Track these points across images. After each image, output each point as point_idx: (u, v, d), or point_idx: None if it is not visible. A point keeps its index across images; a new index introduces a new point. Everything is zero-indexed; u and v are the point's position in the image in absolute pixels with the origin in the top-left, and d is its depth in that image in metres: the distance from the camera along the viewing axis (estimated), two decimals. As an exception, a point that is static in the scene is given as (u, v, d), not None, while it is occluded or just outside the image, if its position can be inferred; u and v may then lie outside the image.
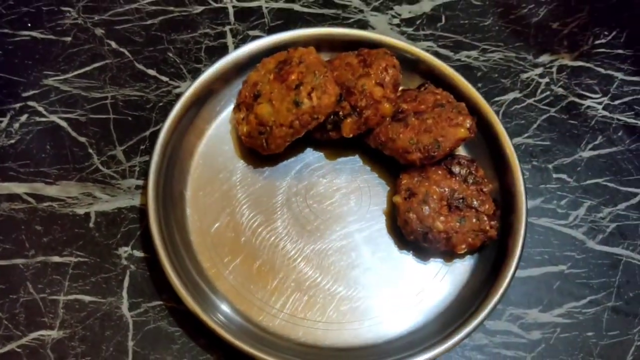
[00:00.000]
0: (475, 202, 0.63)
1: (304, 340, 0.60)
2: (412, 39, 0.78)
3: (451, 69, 0.70)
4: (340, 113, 0.64)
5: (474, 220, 0.62)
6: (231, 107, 0.69)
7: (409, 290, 0.63)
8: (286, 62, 0.65)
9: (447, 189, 0.63)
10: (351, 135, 0.65)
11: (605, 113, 0.74)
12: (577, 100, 0.75)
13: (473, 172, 0.64)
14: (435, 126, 0.63)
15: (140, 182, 0.67)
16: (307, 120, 0.62)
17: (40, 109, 0.70)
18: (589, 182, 0.70)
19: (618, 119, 0.74)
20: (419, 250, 0.64)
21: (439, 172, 0.64)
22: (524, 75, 0.76)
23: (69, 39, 0.75)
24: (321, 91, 0.62)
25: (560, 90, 0.76)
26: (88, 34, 0.75)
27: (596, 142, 0.73)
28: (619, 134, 0.73)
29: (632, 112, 0.75)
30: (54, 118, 0.70)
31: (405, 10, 0.80)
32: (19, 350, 0.58)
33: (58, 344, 0.59)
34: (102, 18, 0.76)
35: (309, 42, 0.68)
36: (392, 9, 0.80)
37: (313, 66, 0.63)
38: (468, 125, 0.63)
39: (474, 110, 0.67)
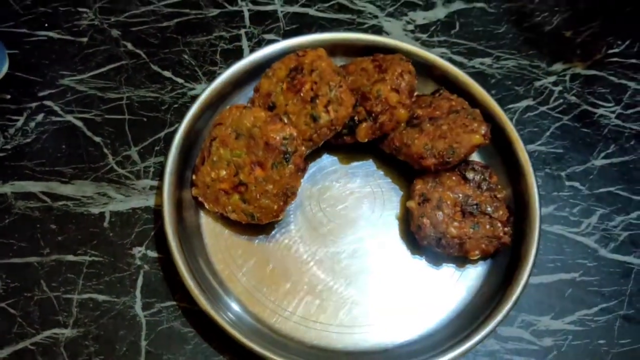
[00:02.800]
0: (489, 209, 0.63)
1: (316, 343, 0.60)
2: (426, 45, 0.78)
3: (466, 75, 0.70)
4: (356, 118, 0.65)
5: (488, 226, 0.62)
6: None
7: (421, 295, 0.63)
8: (297, 69, 0.65)
9: (461, 195, 0.63)
10: (366, 140, 0.65)
11: (618, 122, 0.75)
12: (590, 108, 0.75)
13: (487, 178, 0.64)
14: (450, 132, 0.63)
15: (154, 183, 0.67)
16: (326, 133, 0.63)
17: (57, 108, 0.71)
18: (601, 190, 0.70)
19: (631, 128, 0.74)
20: (432, 255, 0.64)
21: (453, 177, 0.64)
22: (538, 83, 0.77)
23: (85, 39, 0.75)
24: (337, 104, 0.62)
25: (574, 99, 0.76)
26: (104, 35, 0.76)
27: (609, 151, 0.73)
28: (632, 142, 0.73)
29: (645, 122, 0.75)
30: (69, 118, 0.70)
31: (420, 17, 0.81)
32: (32, 347, 0.58)
33: (72, 342, 0.59)
34: (119, 19, 0.77)
35: (324, 47, 0.68)
36: (406, 15, 0.81)
37: (326, 76, 0.63)
38: (483, 131, 0.63)
39: (489, 117, 0.67)
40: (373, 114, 0.64)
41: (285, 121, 0.63)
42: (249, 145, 0.62)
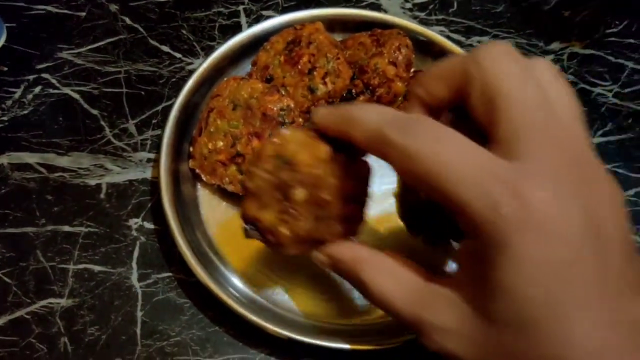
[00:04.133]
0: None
1: (316, 316, 0.60)
2: (424, 23, 0.78)
3: (464, 51, 0.70)
4: (353, 91, 0.65)
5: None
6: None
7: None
8: (295, 42, 0.65)
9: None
10: (364, 113, 0.65)
11: (616, 100, 0.75)
12: (587, 87, 0.75)
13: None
14: (447, 106, 0.63)
15: (151, 155, 0.67)
16: (323, 105, 0.63)
17: (54, 81, 0.70)
18: (598, 167, 0.70)
19: (628, 107, 0.74)
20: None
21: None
22: (536, 62, 0.76)
23: (83, 13, 0.75)
24: (335, 75, 0.62)
25: (571, 77, 0.76)
26: (102, 9, 0.76)
27: (606, 129, 0.73)
28: (629, 121, 0.73)
29: (643, 101, 0.75)
30: (67, 90, 0.70)
31: (418, -5, 0.81)
32: (27, 317, 0.58)
33: (67, 312, 0.59)
34: (117, -6, 0.77)
35: (323, 23, 0.68)
36: (405, -7, 0.81)
37: (324, 48, 0.63)
38: (480, 105, 0.63)
39: (486, 93, 0.67)
40: (370, 87, 0.64)
41: (283, 93, 0.63)
42: (246, 116, 0.61)
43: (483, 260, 0.36)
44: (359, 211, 0.52)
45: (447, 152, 0.36)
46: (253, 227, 0.51)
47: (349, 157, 0.49)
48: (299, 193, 0.49)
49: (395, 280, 0.43)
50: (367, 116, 0.42)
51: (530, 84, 0.38)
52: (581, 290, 0.34)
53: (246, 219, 0.51)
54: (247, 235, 0.52)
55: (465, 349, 0.37)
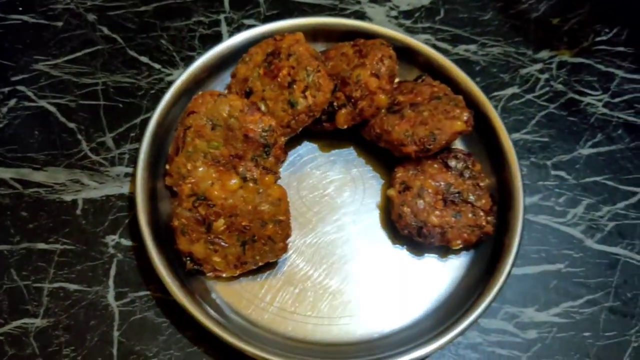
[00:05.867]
0: (471, 197, 0.61)
1: (294, 334, 0.58)
2: (410, 31, 0.77)
3: (449, 61, 0.69)
4: (335, 104, 0.63)
5: (470, 215, 0.61)
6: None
7: (403, 286, 0.61)
8: (274, 53, 0.64)
9: (442, 183, 0.62)
10: (345, 127, 0.64)
11: (605, 111, 0.73)
12: (576, 97, 0.74)
13: (470, 166, 0.63)
14: (431, 119, 0.62)
15: (129, 170, 0.66)
16: (304, 119, 0.62)
17: (30, 93, 0.69)
18: (587, 179, 0.69)
19: (618, 117, 0.73)
20: (414, 245, 0.63)
21: (435, 165, 0.63)
22: (524, 71, 0.75)
23: (60, 23, 0.74)
24: (315, 89, 0.61)
25: (560, 87, 0.74)
26: (80, 19, 0.74)
27: (595, 140, 0.71)
28: (619, 132, 0.72)
29: (632, 110, 0.74)
30: (43, 103, 0.69)
31: (404, 3, 0.79)
32: (0, 338, 0.57)
33: (42, 332, 0.57)
34: (95, 4, 0.75)
35: (306, 32, 0.67)
36: (390, 0, 0.79)
37: (304, 60, 0.62)
38: (465, 118, 0.62)
39: (472, 104, 0.65)
40: (353, 100, 0.63)
41: (263, 108, 0.61)
42: (226, 137, 0.60)
43: None
44: (283, 229, 0.58)
45: None
46: (190, 260, 0.58)
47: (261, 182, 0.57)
48: (219, 224, 0.57)
49: None
50: None
51: None
52: None
53: (182, 254, 0.58)
54: (187, 267, 0.58)
55: None
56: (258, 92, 0.63)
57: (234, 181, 0.57)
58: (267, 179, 0.57)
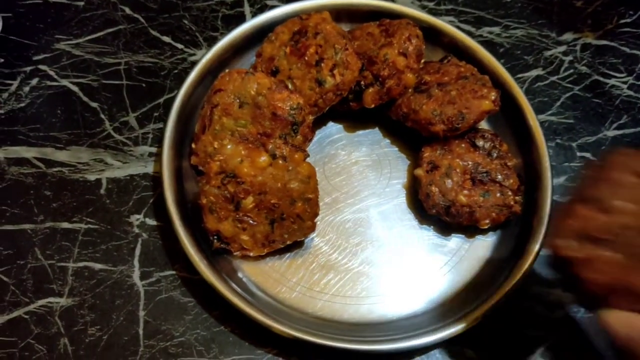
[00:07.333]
0: (499, 176, 0.61)
1: (320, 313, 0.58)
2: (433, 13, 0.76)
3: (474, 41, 0.68)
4: (362, 83, 0.63)
5: (498, 194, 0.60)
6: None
7: (429, 266, 0.61)
8: (301, 32, 0.63)
9: (470, 163, 0.61)
10: (373, 106, 0.63)
11: (630, 92, 0.73)
12: (601, 79, 0.73)
13: (497, 146, 0.62)
14: (459, 98, 0.61)
15: (153, 150, 0.65)
16: (331, 97, 0.61)
17: (52, 73, 0.68)
18: (613, 161, 0.68)
19: (644, 99, 0.72)
20: (440, 225, 0.62)
21: (462, 145, 0.62)
22: (547, 53, 0.75)
23: (82, 3, 0.73)
24: (343, 67, 0.60)
25: (584, 69, 0.74)
26: (101, -2, 0.74)
27: (621, 122, 0.71)
28: (645, 113, 0.72)
29: (658, 93, 0.73)
30: (65, 83, 0.68)
31: (427, -16, 0.79)
32: (26, 316, 0.56)
33: (67, 311, 0.57)
34: (117, -17, 0.75)
35: (329, 12, 0.66)
36: (413, -18, 0.79)
37: (332, 38, 0.61)
38: (493, 97, 0.61)
39: (498, 85, 0.65)
40: (380, 79, 0.62)
41: (290, 87, 0.61)
42: (254, 114, 0.59)
43: None
44: (312, 207, 0.57)
45: None
46: (217, 238, 0.57)
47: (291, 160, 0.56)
48: (248, 201, 0.56)
49: None
50: None
51: None
52: None
53: (209, 232, 0.57)
54: (214, 246, 0.57)
55: None
56: (285, 70, 0.62)
57: (264, 158, 0.56)
58: (296, 156, 0.56)
